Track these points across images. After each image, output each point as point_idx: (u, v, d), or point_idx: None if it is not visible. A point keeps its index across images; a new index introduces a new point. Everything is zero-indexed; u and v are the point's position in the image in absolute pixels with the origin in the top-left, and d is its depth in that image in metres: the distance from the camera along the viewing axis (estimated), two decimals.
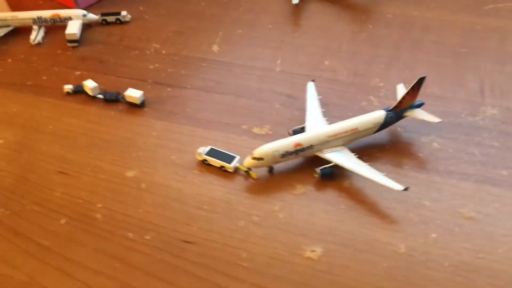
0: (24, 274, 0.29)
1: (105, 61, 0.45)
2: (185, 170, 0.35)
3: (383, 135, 0.36)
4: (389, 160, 0.35)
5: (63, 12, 0.48)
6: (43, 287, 0.28)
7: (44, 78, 0.43)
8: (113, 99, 0.41)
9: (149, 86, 0.42)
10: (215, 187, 0.34)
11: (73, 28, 0.46)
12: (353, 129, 0.34)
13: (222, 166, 0.35)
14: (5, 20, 0.47)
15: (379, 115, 0.35)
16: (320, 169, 0.33)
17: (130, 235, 0.31)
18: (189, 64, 0.44)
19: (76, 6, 0.51)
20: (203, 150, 0.35)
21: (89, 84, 0.41)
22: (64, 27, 0.48)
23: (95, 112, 0.40)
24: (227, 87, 0.42)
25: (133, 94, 0.40)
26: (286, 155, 0.33)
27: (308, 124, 0.36)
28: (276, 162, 0.34)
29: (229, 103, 0.40)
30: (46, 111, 0.40)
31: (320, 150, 0.34)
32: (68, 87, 0.41)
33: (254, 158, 0.33)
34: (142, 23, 0.49)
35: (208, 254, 0.30)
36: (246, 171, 0.34)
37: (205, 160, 0.35)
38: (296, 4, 0.50)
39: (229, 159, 0.35)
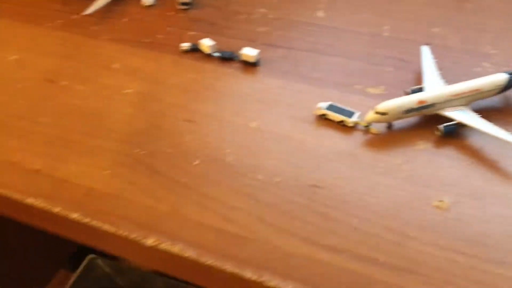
0: (167, 206, 0.31)
1: (215, 23, 0.47)
2: (305, 123, 0.36)
3: (500, 98, 0.37)
4: (508, 122, 0.35)
5: None
6: (185, 217, 0.31)
7: (160, 36, 0.46)
8: (229, 57, 0.43)
9: (259, 47, 0.44)
10: (337, 140, 0.35)
11: None
12: (476, 89, 0.35)
13: (341, 121, 0.36)
14: None
15: (502, 77, 0.36)
16: (444, 126, 0.34)
17: (260, 177, 0.33)
18: (296, 28, 0.46)
19: None
20: (322, 105, 0.37)
21: (206, 43, 0.43)
22: None
23: (212, 69, 0.42)
24: (336, 50, 0.43)
25: (249, 52, 0.42)
26: (409, 111, 0.34)
27: (427, 85, 0.37)
28: (398, 118, 0.35)
29: (341, 64, 0.42)
30: (166, 66, 0.42)
31: (442, 109, 0.35)
32: (185, 45, 0.44)
33: (378, 113, 0.34)
34: None
35: (338, 198, 0.31)
36: (366, 126, 0.35)
37: (324, 114, 0.36)
38: None
39: (349, 114, 0.36)
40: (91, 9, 0.47)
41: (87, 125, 0.37)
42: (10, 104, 0.39)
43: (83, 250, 0.91)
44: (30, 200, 0.32)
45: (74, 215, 0.31)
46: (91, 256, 0.85)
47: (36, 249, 0.88)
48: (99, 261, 0.86)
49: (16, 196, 0.33)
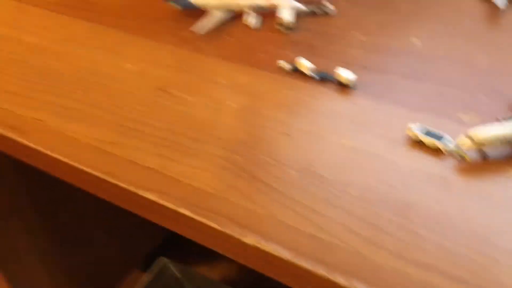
0: (264, 210, 0.34)
1: (313, 46, 0.50)
2: (396, 145, 0.38)
3: None
4: None
5: (278, 1, 0.54)
6: (280, 221, 0.33)
7: (262, 55, 0.49)
8: (325, 78, 0.45)
9: (354, 70, 0.46)
10: (428, 162, 0.36)
11: (288, 16, 0.52)
12: None
13: (433, 145, 0.37)
14: (228, 5, 0.54)
15: None
16: None
17: (352, 192, 0.35)
18: (391, 53, 0.48)
19: None
20: (414, 126, 0.38)
21: (304, 63, 0.46)
22: (275, 15, 0.54)
23: (309, 88, 0.45)
24: (430, 76, 0.45)
25: (345, 74, 0.44)
26: (506, 141, 0.35)
27: None
28: (492, 146, 0.36)
29: (434, 90, 0.43)
30: (267, 83, 0.46)
31: None
32: (284, 64, 0.47)
33: (471, 140, 0.35)
34: (345, 15, 0.54)
35: (427, 218, 0.32)
36: (458, 151, 0.37)
37: (416, 136, 0.38)
38: (503, 8, 0.51)
39: (441, 138, 0.37)
40: (202, 29, 0.52)
41: (196, 132, 0.41)
42: (129, 108, 0.44)
43: (155, 253, 0.96)
44: (144, 194, 0.36)
45: (183, 211, 0.35)
46: (163, 259, 0.90)
47: (114, 245, 0.95)
48: (170, 265, 0.91)
49: (132, 189, 0.37)
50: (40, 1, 0.60)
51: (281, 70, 0.47)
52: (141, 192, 0.37)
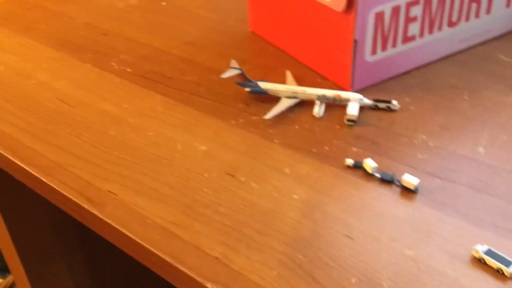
0: None
1: (377, 143, 0.51)
2: (460, 262, 0.38)
3: None
4: None
5: (344, 94, 0.56)
6: None
7: (326, 148, 0.51)
8: (389, 180, 0.46)
9: (418, 174, 0.47)
10: (492, 286, 0.36)
11: (353, 110, 0.54)
12: None
13: (499, 269, 0.37)
14: (296, 92, 0.57)
15: None
16: None
17: None
18: (456, 160, 0.48)
19: (352, 88, 0.58)
20: (480, 248, 0.38)
21: (370, 163, 0.47)
22: (340, 105, 0.56)
23: (372, 188, 0.46)
24: (496, 189, 0.45)
25: (410, 180, 0.45)
26: None
27: None
28: None
29: (500, 206, 0.43)
30: (330, 178, 0.47)
31: None
32: (349, 161, 0.48)
33: None
34: (408, 113, 0.55)
35: None
36: None
37: (481, 258, 0.38)
38: None
39: (507, 263, 0.37)
40: (270, 115, 0.54)
41: (260, 222, 0.42)
42: (197, 190, 0.46)
43: None
44: (209, 285, 0.37)
45: None
46: None
47: None
48: None
49: (195, 276, 0.38)
50: (120, 71, 0.65)
51: (345, 166, 0.48)
52: (202, 281, 0.38)
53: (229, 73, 0.59)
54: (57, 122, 0.55)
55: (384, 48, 0.58)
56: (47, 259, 0.88)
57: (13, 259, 0.83)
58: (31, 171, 0.49)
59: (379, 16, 0.55)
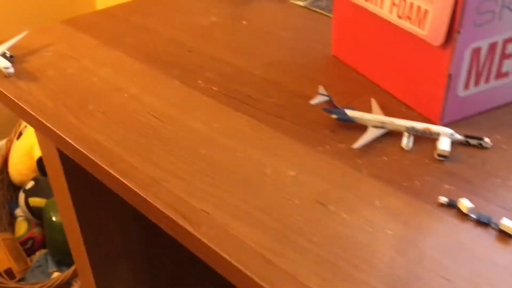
0: None
1: (470, 182, 0.50)
2: None
3: None
4: None
5: (434, 128, 0.55)
6: None
7: (417, 183, 0.50)
8: (486, 222, 0.45)
9: None
10: None
11: (445, 145, 0.53)
12: None
13: None
14: (383, 123, 0.57)
15: None
16: None
17: None
18: None
19: (440, 121, 0.58)
20: None
21: (466, 203, 0.46)
22: (428, 138, 0.55)
23: (467, 229, 0.45)
24: None
25: (509, 224, 0.44)
26: None
27: None
28: None
29: None
30: (423, 215, 0.46)
31: None
32: (443, 199, 0.48)
33: None
34: (500, 152, 0.54)
35: None
36: None
37: None
38: None
39: None
40: (358, 144, 0.55)
41: (354, 256, 0.42)
42: (289, 217, 0.47)
43: None
44: None
45: None
46: None
47: None
48: None
49: None
50: (207, 89, 0.66)
51: (438, 203, 0.48)
52: None
53: (318, 100, 0.60)
54: (149, 137, 0.57)
55: (477, 83, 0.57)
56: (112, 259, 0.91)
57: (81, 257, 0.87)
58: (128, 184, 0.51)
59: (476, 52, 0.55)
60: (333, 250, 0.43)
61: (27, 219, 1.57)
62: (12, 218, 1.60)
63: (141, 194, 0.49)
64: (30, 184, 1.55)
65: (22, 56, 0.74)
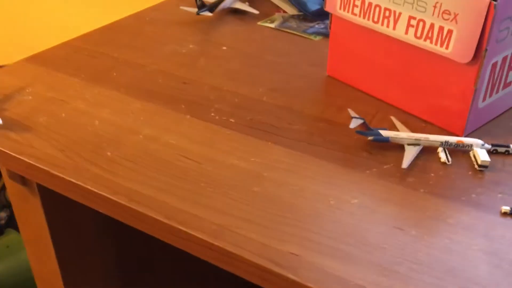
0: None
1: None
2: None
3: None
4: None
5: (466, 140, 0.58)
6: None
7: (474, 196, 0.52)
8: None
9: None
10: None
11: (485, 156, 0.56)
12: None
13: None
14: (418, 140, 0.59)
15: None
16: None
17: None
18: None
19: (463, 133, 0.61)
20: None
21: None
22: (459, 151, 0.58)
23: None
24: None
25: None
26: None
27: None
28: None
29: None
30: (498, 227, 0.49)
31: None
32: (506, 208, 0.50)
33: None
34: None
35: None
36: None
37: None
38: None
39: None
40: (406, 164, 0.56)
41: (456, 278, 0.43)
42: (377, 247, 0.46)
43: None
44: None
45: None
46: None
47: None
48: None
49: None
50: (224, 121, 0.63)
51: (500, 211, 0.50)
52: None
53: (354, 123, 0.60)
54: (194, 181, 0.53)
55: (491, 94, 0.62)
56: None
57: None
58: (197, 235, 0.46)
59: (494, 66, 0.59)
60: (437, 275, 0.43)
61: None
62: None
63: (216, 244, 0.46)
64: None
65: None
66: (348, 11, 0.67)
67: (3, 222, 1.50)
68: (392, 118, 0.64)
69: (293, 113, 0.66)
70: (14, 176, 0.68)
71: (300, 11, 0.98)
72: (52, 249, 0.73)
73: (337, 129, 0.63)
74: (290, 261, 0.44)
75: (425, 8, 0.58)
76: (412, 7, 0.60)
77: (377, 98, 0.69)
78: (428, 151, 0.59)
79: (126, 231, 0.91)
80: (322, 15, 0.96)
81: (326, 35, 0.89)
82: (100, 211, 0.53)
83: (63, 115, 0.63)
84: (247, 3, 1.00)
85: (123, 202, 0.50)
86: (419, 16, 0.59)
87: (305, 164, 0.57)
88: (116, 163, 0.56)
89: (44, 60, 0.76)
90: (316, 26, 0.92)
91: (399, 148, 0.59)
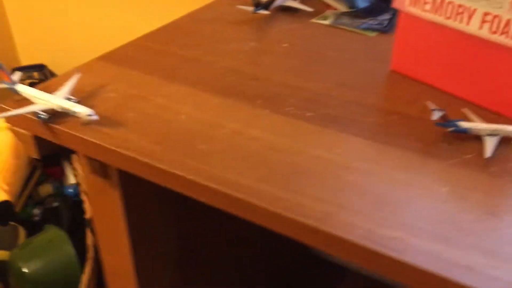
0: None
1: None
2: None
3: None
4: None
5: None
6: None
7: None
8: None
9: None
10: None
11: None
12: None
13: None
14: (496, 130, 0.61)
15: None
16: None
17: None
18: None
19: None
20: None
21: None
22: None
23: None
24: None
25: None
26: None
27: None
28: None
29: None
30: None
31: None
32: None
33: None
34: None
35: None
36: None
37: None
38: None
39: None
40: (489, 153, 0.58)
41: None
42: (479, 232, 0.48)
43: None
44: None
45: None
46: None
47: None
48: None
49: None
50: (302, 115, 0.66)
51: None
52: None
53: (436, 115, 0.62)
54: (287, 172, 0.56)
55: None
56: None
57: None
58: (304, 221, 0.49)
59: None
60: None
61: None
62: None
63: (325, 230, 0.48)
64: None
65: (84, 100, 0.68)
66: (418, 8, 0.69)
67: (37, 218, 1.53)
68: (465, 110, 0.66)
69: (365, 107, 0.68)
70: (96, 170, 0.71)
71: (351, 8, 1.00)
72: (128, 239, 0.77)
73: (411, 122, 0.65)
74: (395, 244, 0.47)
75: (501, 4, 0.61)
76: (487, 4, 0.62)
77: (446, 92, 0.71)
78: (504, 141, 0.61)
79: (198, 231, 0.95)
80: (372, 11, 0.99)
81: (380, 31, 0.91)
82: (201, 200, 0.55)
83: (149, 111, 0.66)
84: (298, 0, 1.02)
85: (227, 191, 0.53)
86: (495, 12, 0.61)
87: (387, 155, 0.59)
88: (209, 156, 0.58)
89: (116, 59, 0.79)
90: (369, 22, 0.95)
91: (476, 139, 0.61)
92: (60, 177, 1.64)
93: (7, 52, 1.93)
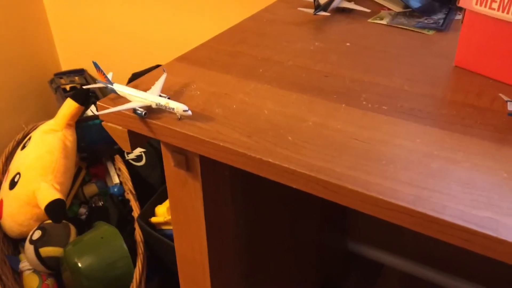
0: None
1: None
2: None
3: None
4: None
5: None
6: None
7: None
8: None
9: None
10: None
11: None
12: None
13: None
14: None
15: None
16: None
17: None
18: None
19: None
20: None
21: None
22: None
23: None
24: None
25: None
26: None
27: None
28: None
29: None
30: None
31: None
32: None
33: None
34: None
35: None
36: None
37: None
38: None
39: None
40: None
41: None
42: None
43: None
44: None
45: None
46: None
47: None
48: None
49: None
50: (378, 108, 0.70)
51: None
52: None
53: (510, 106, 0.66)
54: (374, 159, 0.60)
55: None
56: None
57: None
58: (398, 203, 0.53)
59: None
60: None
61: (35, 272, 1.45)
62: (16, 274, 1.47)
63: (420, 211, 0.52)
64: (37, 234, 1.43)
65: (172, 98, 0.73)
66: (485, 6, 0.73)
67: (83, 217, 1.59)
68: None
69: (437, 100, 0.72)
70: (180, 163, 0.76)
71: (405, 8, 1.04)
72: (205, 229, 0.81)
73: (484, 113, 0.68)
74: (488, 223, 0.51)
75: None
76: None
77: (510, 85, 0.74)
78: None
79: (263, 226, 1.00)
80: (426, 11, 1.02)
81: (436, 29, 0.95)
82: (294, 187, 0.60)
83: (234, 106, 0.71)
84: (353, 2, 1.07)
85: (322, 177, 0.57)
86: None
87: (466, 143, 0.63)
88: (298, 145, 0.63)
89: (192, 60, 0.84)
90: (425, 21, 0.98)
91: None
92: (102, 177, 1.70)
93: (48, 57, 2.02)
